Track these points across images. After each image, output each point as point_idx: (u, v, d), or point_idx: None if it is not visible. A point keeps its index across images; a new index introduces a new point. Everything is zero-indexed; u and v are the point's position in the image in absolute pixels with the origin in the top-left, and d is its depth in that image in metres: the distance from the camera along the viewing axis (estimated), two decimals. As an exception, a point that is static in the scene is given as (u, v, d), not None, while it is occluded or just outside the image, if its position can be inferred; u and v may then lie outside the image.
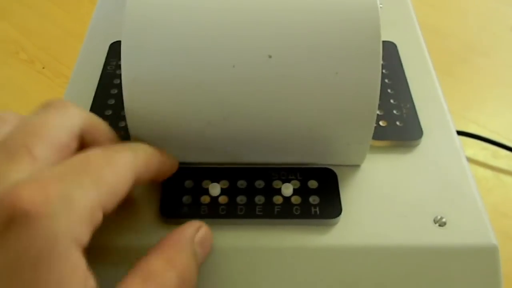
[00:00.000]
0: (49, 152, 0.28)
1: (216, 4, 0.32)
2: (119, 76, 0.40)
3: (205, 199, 0.33)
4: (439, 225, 0.32)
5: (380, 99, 0.32)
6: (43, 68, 0.76)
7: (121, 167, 0.28)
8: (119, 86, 0.40)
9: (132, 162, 0.29)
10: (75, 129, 0.30)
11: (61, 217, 0.24)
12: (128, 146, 0.30)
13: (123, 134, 0.37)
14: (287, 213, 0.32)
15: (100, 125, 0.32)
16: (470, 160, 0.64)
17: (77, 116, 0.31)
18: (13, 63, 0.77)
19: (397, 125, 0.37)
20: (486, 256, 0.31)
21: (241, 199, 0.33)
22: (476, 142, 0.65)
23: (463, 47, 0.80)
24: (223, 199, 0.33)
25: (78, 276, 0.24)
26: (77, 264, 0.24)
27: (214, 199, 0.33)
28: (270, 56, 0.31)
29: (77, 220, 0.24)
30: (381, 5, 0.32)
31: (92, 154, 0.28)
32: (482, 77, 0.76)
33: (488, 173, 0.63)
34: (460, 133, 0.61)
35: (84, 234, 0.25)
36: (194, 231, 0.30)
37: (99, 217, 0.26)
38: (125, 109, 0.33)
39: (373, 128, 0.33)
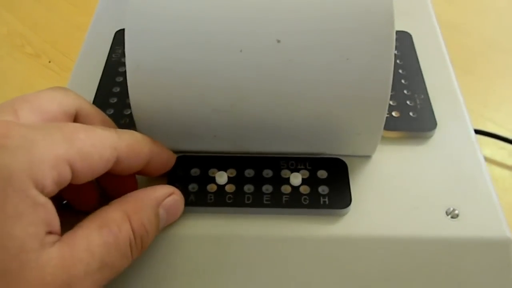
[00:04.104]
0: (33, 116, 0.29)
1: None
2: (124, 64, 0.40)
3: (211, 187, 0.33)
4: (452, 217, 0.32)
5: (393, 89, 0.32)
6: (50, 62, 0.77)
7: (98, 139, 0.28)
8: (124, 74, 0.40)
9: (112, 139, 0.29)
10: (68, 107, 0.31)
11: (19, 153, 0.25)
12: (115, 129, 0.31)
13: (129, 122, 0.37)
14: (295, 202, 0.33)
15: (99, 114, 0.33)
16: (487, 159, 0.63)
17: (72, 96, 0.32)
18: (19, 56, 0.78)
19: (410, 116, 0.38)
20: (499, 249, 0.31)
21: (248, 188, 0.33)
22: (494, 141, 0.65)
23: (482, 44, 0.80)
24: (230, 188, 0.33)
25: (39, 214, 0.25)
26: (38, 203, 0.25)
27: (221, 187, 0.33)
28: (278, 41, 0.31)
29: (37, 162, 0.25)
30: (396, -6, 0.32)
31: (74, 123, 0.30)
32: (501, 75, 0.76)
33: (506, 172, 0.63)
34: (477, 131, 0.60)
35: (45, 180, 0.25)
36: (164, 195, 0.30)
37: (65, 171, 0.26)
38: (130, 95, 0.33)
39: (384, 117, 0.33)
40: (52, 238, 0.25)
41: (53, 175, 0.25)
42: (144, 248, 0.29)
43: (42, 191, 0.25)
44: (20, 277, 0.24)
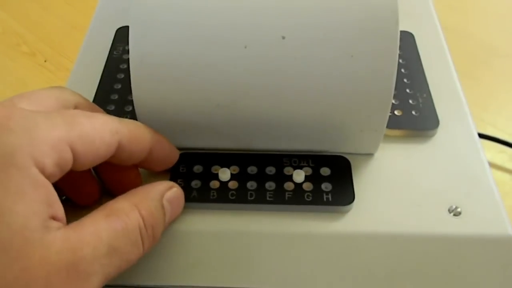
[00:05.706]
0: (33, 109, 0.29)
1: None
2: (126, 61, 0.41)
3: (214, 184, 0.34)
4: (454, 215, 0.33)
5: (396, 88, 0.33)
6: (45, 61, 0.77)
7: (100, 122, 0.29)
8: (126, 71, 0.41)
9: (113, 123, 0.30)
10: (66, 102, 0.32)
11: (21, 133, 0.26)
12: (115, 117, 0.31)
13: (130, 118, 0.37)
14: (298, 199, 0.33)
15: (97, 111, 0.34)
16: (487, 163, 0.64)
17: (70, 93, 0.33)
18: (14, 55, 0.78)
19: (413, 114, 0.38)
20: (501, 246, 0.32)
21: (251, 184, 0.34)
22: (494, 145, 0.66)
23: (483, 49, 0.81)
24: (233, 184, 0.34)
25: (40, 193, 0.25)
26: (39, 183, 0.25)
27: (224, 184, 0.34)
28: (283, 37, 0.32)
29: (38, 142, 0.26)
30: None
31: (74, 109, 0.31)
32: (501, 80, 0.77)
33: (506, 176, 0.64)
34: (477, 135, 0.61)
35: (45, 159, 0.26)
36: (165, 189, 0.31)
37: (66, 153, 0.27)
38: (133, 89, 0.33)
39: (387, 115, 0.34)
40: (56, 224, 0.26)
41: (53, 156, 0.26)
42: (155, 240, 0.29)
43: (42, 171, 0.26)
44: (24, 254, 0.24)
